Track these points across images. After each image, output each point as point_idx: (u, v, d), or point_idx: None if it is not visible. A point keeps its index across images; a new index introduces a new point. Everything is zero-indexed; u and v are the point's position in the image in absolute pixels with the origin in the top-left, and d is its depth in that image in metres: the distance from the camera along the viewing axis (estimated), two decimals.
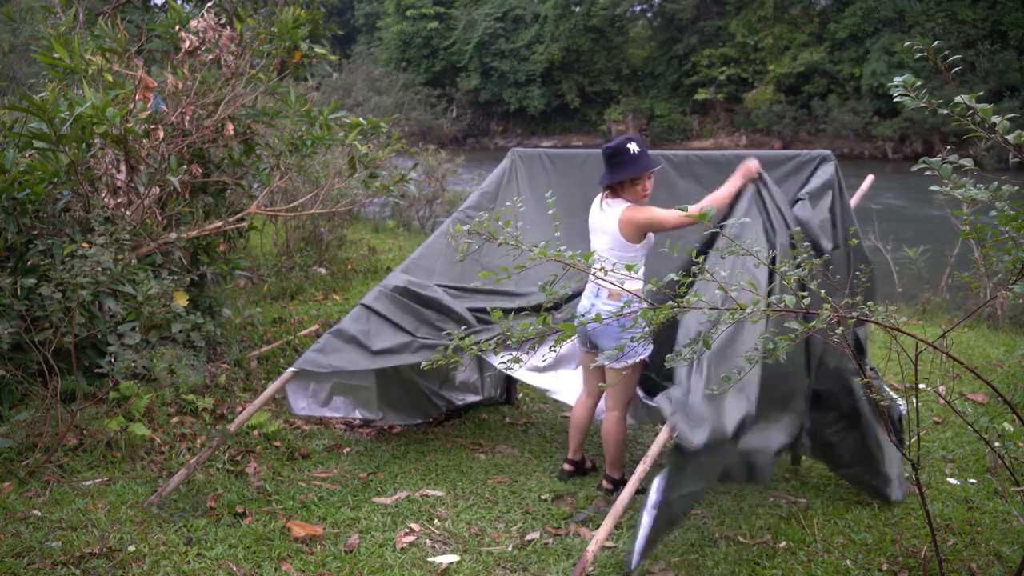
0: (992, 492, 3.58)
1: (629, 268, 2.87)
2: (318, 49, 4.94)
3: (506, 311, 3.66)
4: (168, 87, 4.35)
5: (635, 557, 2.69)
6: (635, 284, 3.31)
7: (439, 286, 3.88)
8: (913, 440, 3.56)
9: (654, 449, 2.85)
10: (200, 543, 2.99)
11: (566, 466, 3.81)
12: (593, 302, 3.46)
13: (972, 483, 3.69)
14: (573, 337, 3.91)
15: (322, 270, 7.74)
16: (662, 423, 2.93)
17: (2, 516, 3.00)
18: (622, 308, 2.34)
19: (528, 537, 3.18)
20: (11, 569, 2.67)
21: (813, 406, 3.33)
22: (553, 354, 4.04)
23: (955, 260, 7.80)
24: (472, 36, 37.92)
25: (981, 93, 1.99)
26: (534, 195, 4.25)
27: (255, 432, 4.02)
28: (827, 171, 3.56)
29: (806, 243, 3.02)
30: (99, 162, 4.26)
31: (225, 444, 3.66)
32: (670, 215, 3.33)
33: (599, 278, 2.59)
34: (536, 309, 3.91)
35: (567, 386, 3.92)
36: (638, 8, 37.62)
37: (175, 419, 4.05)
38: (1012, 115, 2.17)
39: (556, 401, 4.36)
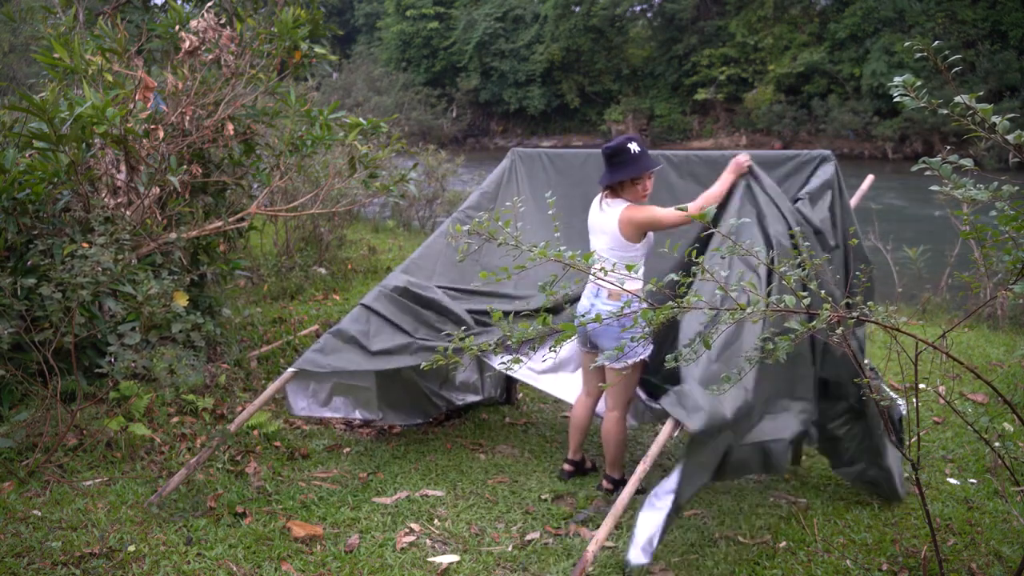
0: (992, 492, 3.58)
1: (629, 268, 2.87)
2: (318, 49, 4.94)
3: (505, 313, 3.66)
4: (168, 87, 4.35)
5: (642, 553, 2.69)
6: (635, 284, 3.31)
7: (439, 287, 3.88)
8: (913, 440, 3.56)
9: (654, 449, 2.85)
10: (200, 543, 2.99)
11: (566, 466, 3.81)
12: (593, 302, 3.46)
13: (972, 483, 3.69)
14: (573, 339, 3.95)
15: (322, 270, 7.74)
16: (663, 422, 2.94)
17: (2, 516, 3.00)
18: (622, 308, 2.34)
19: (528, 537, 3.18)
20: (11, 569, 2.67)
21: (820, 395, 3.30)
22: (554, 354, 4.05)
23: (955, 260, 7.80)
24: (472, 36, 37.92)
25: (981, 93, 1.99)
26: (534, 195, 4.25)
27: (255, 432, 4.02)
28: (827, 171, 3.57)
29: (807, 243, 3.02)
30: (99, 162, 4.26)
31: (225, 444, 3.66)
32: (670, 214, 3.33)
33: (599, 278, 2.59)
34: (535, 312, 3.92)
35: (569, 388, 3.92)
36: (638, 8, 37.62)
37: (175, 419, 4.05)
38: (1012, 115, 2.17)
39: (556, 401, 4.36)
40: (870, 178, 4.01)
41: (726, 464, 3.07)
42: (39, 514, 3.06)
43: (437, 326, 3.72)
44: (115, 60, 4.50)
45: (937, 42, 2.07)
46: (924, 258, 7.38)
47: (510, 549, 3.08)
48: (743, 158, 3.49)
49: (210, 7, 4.60)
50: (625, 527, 3.23)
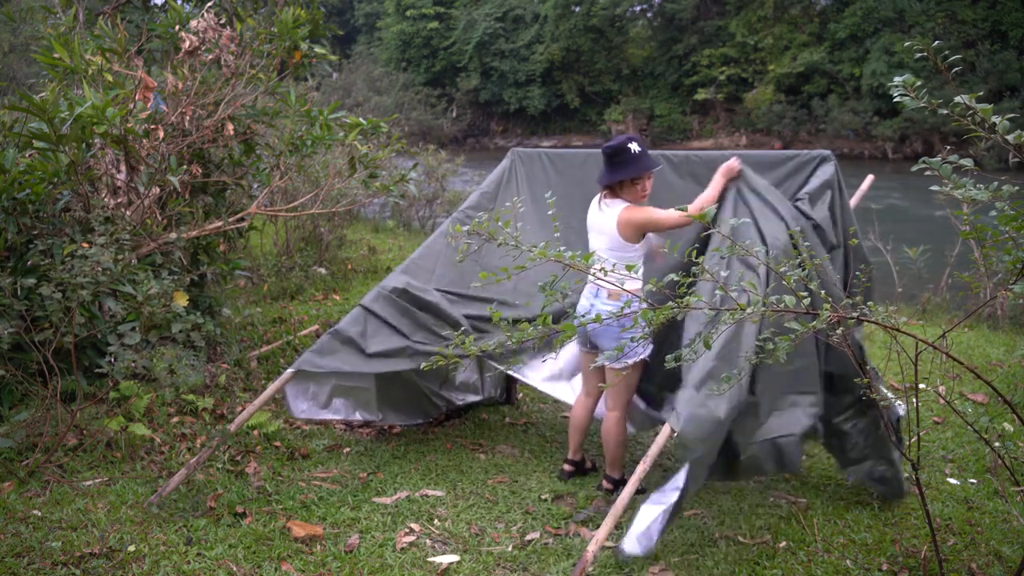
0: (992, 492, 3.58)
1: (629, 268, 2.87)
2: (318, 49, 4.94)
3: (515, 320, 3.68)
4: (168, 87, 4.35)
5: (636, 543, 2.71)
6: (634, 284, 3.31)
7: (438, 290, 3.89)
8: (913, 440, 3.56)
9: (654, 449, 2.85)
10: (200, 543, 2.99)
11: (566, 466, 3.81)
12: (592, 302, 3.46)
13: (972, 483, 3.69)
14: (574, 346, 3.96)
15: (322, 270, 7.74)
16: (662, 425, 2.94)
17: (2, 516, 3.00)
18: (622, 308, 2.34)
19: (528, 537, 3.18)
20: (11, 569, 2.67)
21: (826, 389, 3.29)
22: (554, 356, 4.06)
23: (955, 260, 7.80)
24: (472, 36, 37.92)
25: (981, 93, 1.99)
26: (534, 195, 4.25)
27: (255, 432, 4.02)
28: (827, 171, 3.57)
29: (807, 243, 3.03)
30: (99, 162, 4.26)
31: (225, 444, 3.66)
32: (668, 215, 3.34)
33: (598, 278, 2.59)
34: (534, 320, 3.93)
35: (572, 394, 3.93)
36: (638, 8, 37.62)
37: (175, 419, 4.05)
38: (1012, 115, 2.17)
39: (556, 401, 4.36)
40: (870, 178, 4.01)
41: (738, 464, 3.08)
42: (39, 514, 3.06)
43: (434, 329, 3.73)
44: (115, 60, 4.50)
45: (937, 42, 2.07)
46: (924, 258, 7.37)
47: (510, 549, 3.08)
48: (733, 162, 3.49)
49: (210, 7, 4.60)
50: (625, 527, 3.23)
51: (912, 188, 17.09)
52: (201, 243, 4.82)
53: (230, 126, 4.47)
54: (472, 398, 4.50)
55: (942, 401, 4.60)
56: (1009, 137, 1.96)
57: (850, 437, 3.38)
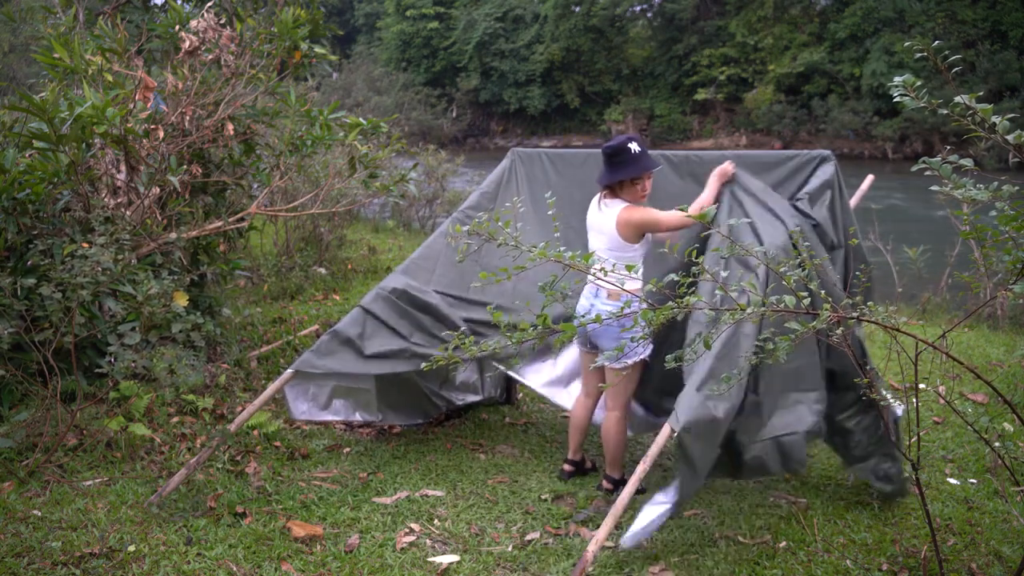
0: (992, 492, 3.58)
1: (629, 268, 2.87)
2: (318, 49, 4.94)
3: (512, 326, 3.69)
4: (168, 87, 4.35)
5: (631, 539, 2.73)
6: (634, 284, 3.31)
7: (437, 292, 3.89)
8: (913, 440, 3.55)
9: (654, 449, 2.85)
10: (200, 543, 2.99)
11: (566, 466, 3.81)
12: (592, 302, 3.46)
13: (972, 483, 3.69)
14: (574, 356, 3.98)
15: (322, 270, 7.74)
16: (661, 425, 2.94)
17: (2, 516, 3.00)
18: (622, 308, 2.34)
19: (528, 537, 3.18)
20: (11, 569, 2.67)
21: (828, 386, 3.28)
22: (552, 361, 4.08)
23: (955, 260, 7.80)
24: (472, 36, 37.92)
25: (981, 93, 1.99)
26: (534, 195, 4.25)
27: (255, 432, 4.02)
28: (827, 171, 3.57)
29: (807, 243, 3.02)
30: (99, 162, 4.26)
31: (225, 444, 3.66)
32: (668, 216, 3.34)
33: (597, 278, 2.59)
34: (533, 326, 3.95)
35: (570, 399, 3.95)
36: (638, 8, 37.61)
37: (175, 419, 4.05)
38: (1012, 115, 2.17)
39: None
40: (870, 178, 4.01)
41: (742, 464, 3.09)
42: (39, 514, 3.06)
43: (433, 332, 3.74)
44: (115, 60, 4.50)
45: (937, 42, 2.07)
46: (924, 258, 7.38)
47: (510, 549, 3.08)
48: (727, 165, 3.50)
49: (210, 7, 4.60)
50: (625, 527, 3.23)
51: (912, 188, 17.09)
52: (201, 243, 4.82)
53: (230, 126, 4.47)
54: (472, 398, 4.50)
55: (942, 401, 4.60)
56: (1009, 137, 1.96)
57: (854, 435, 3.36)
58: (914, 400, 2.86)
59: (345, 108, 7.89)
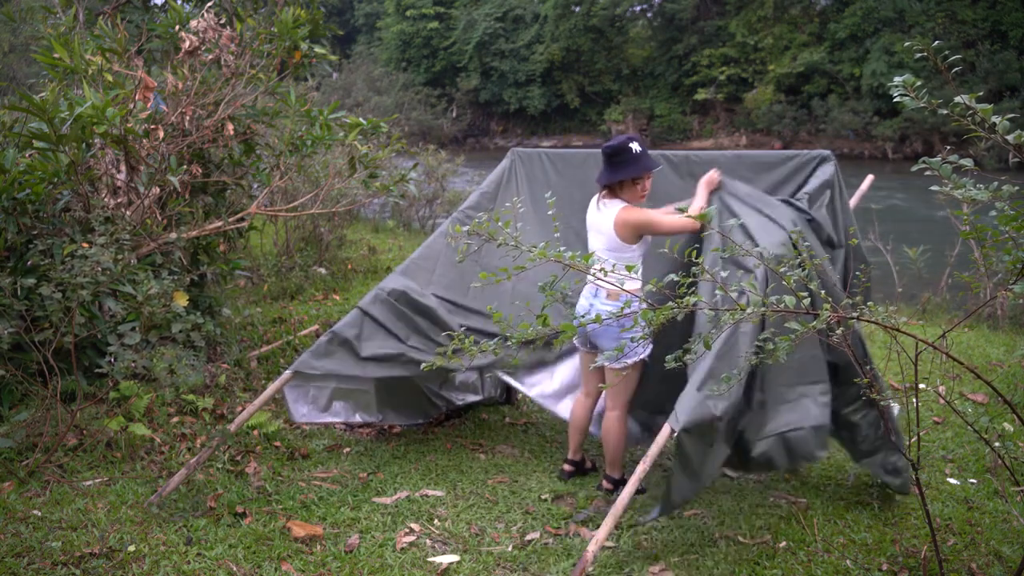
0: (992, 492, 3.58)
1: (629, 269, 2.87)
2: (318, 49, 4.94)
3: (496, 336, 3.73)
4: (168, 87, 4.35)
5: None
6: (634, 284, 3.31)
7: (436, 296, 3.90)
8: (913, 440, 3.56)
9: (654, 449, 2.85)
10: (200, 543, 2.99)
11: (566, 466, 3.81)
12: (592, 302, 3.46)
13: (972, 483, 3.69)
14: (573, 363, 3.99)
15: (322, 270, 7.74)
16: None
17: (2, 516, 3.00)
18: (622, 309, 2.34)
19: (528, 537, 3.18)
20: (11, 569, 2.67)
21: (831, 380, 3.26)
22: (549, 375, 4.10)
23: (955, 260, 7.80)
24: (472, 36, 37.92)
25: (981, 93, 1.99)
26: (533, 195, 4.25)
27: (255, 432, 4.02)
28: (826, 171, 3.57)
29: (807, 243, 3.03)
30: (99, 162, 4.26)
31: (225, 444, 3.66)
32: (666, 220, 3.34)
33: (597, 278, 2.59)
34: (530, 342, 3.98)
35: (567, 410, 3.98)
36: (638, 8, 37.61)
37: (175, 419, 4.05)
38: (1012, 115, 2.17)
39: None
40: (870, 178, 4.01)
41: (750, 459, 3.11)
42: (39, 514, 3.06)
43: (430, 335, 3.74)
44: (115, 60, 4.50)
45: (937, 42, 2.07)
46: (924, 258, 7.37)
47: (510, 549, 3.08)
48: (713, 174, 3.53)
49: (210, 7, 4.60)
50: (625, 527, 3.23)
51: (912, 188, 17.10)
52: (201, 243, 4.82)
53: (230, 126, 4.47)
54: (472, 398, 4.50)
55: (942, 401, 4.60)
56: (1009, 137, 1.96)
57: (860, 429, 3.34)
58: (914, 400, 2.86)
59: (345, 108, 7.89)
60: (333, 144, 5.07)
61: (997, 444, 2.40)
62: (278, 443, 4.00)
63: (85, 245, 3.52)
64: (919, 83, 2.03)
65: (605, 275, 2.44)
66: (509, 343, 2.37)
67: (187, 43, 4.35)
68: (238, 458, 3.79)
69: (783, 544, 3.14)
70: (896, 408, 3.45)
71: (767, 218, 3.27)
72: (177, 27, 4.55)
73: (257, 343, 5.29)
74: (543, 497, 3.57)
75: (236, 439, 3.83)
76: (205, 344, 4.26)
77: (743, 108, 33.26)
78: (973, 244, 5.73)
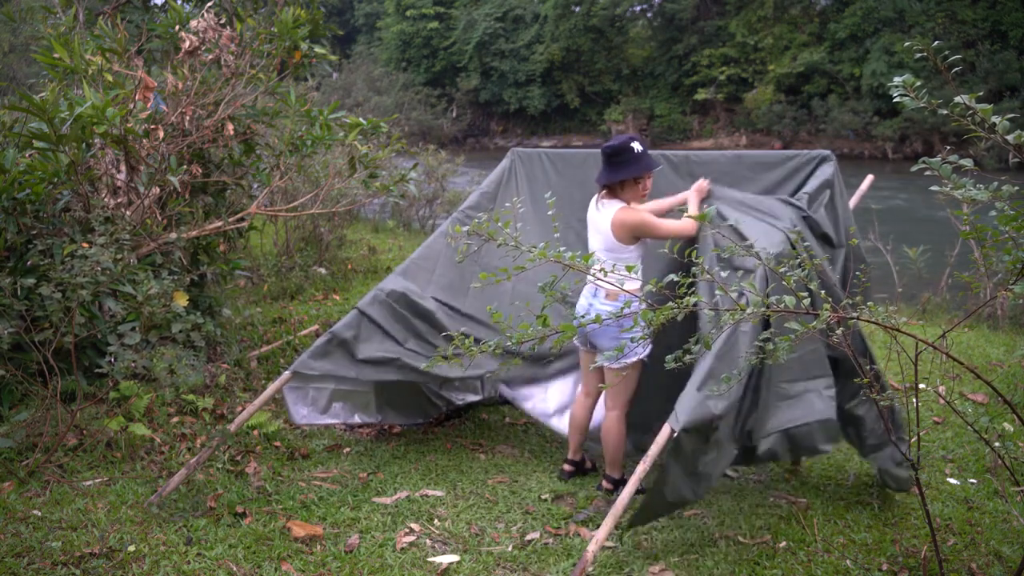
0: (992, 492, 3.58)
1: (629, 269, 2.87)
2: (318, 49, 4.94)
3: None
4: (168, 87, 4.35)
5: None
6: (634, 284, 3.31)
7: (435, 300, 3.90)
8: (913, 440, 3.55)
9: (653, 450, 2.85)
10: (200, 543, 2.99)
11: (566, 466, 3.81)
12: (591, 302, 3.46)
13: (972, 483, 3.69)
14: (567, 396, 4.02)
15: (322, 270, 7.74)
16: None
17: (2, 516, 3.00)
18: (621, 309, 2.34)
19: (528, 537, 3.18)
20: (11, 569, 2.67)
21: (833, 374, 3.25)
22: (545, 395, 4.13)
23: (955, 260, 7.80)
24: (472, 36, 37.92)
25: (981, 93, 1.99)
26: (534, 195, 4.25)
27: (255, 432, 4.02)
28: (826, 171, 3.57)
29: (807, 243, 3.03)
30: (99, 162, 4.26)
31: (225, 444, 3.66)
32: (663, 224, 3.34)
33: (597, 278, 2.59)
34: (530, 358, 4.02)
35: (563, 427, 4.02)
36: (638, 8, 37.61)
37: (175, 419, 4.05)
38: (1012, 115, 2.17)
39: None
40: (870, 178, 4.01)
41: (755, 457, 3.14)
42: (39, 514, 3.06)
43: (428, 339, 3.75)
44: (115, 60, 4.50)
45: (937, 42, 2.07)
46: (924, 258, 7.37)
47: (510, 549, 3.08)
48: (702, 183, 3.55)
49: (210, 7, 4.60)
50: (625, 527, 3.23)
51: (912, 188, 17.10)
52: (201, 243, 4.82)
53: (230, 126, 4.47)
54: (472, 398, 4.50)
55: (942, 401, 4.60)
56: (1009, 137, 1.96)
57: (865, 422, 3.32)
58: (914, 400, 2.86)
59: (345, 108, 7.89)
60: (333, 144, 5.07)
61: (997, 444, 2.40)
62: (278, 443, 4.00)
63: (85, 245, 3.52)
64: (919, 83, 2.03)
65: (605, 275, 2.44)
66: (508, 344, 2.36)
67: (187, 43, 4.35)
68: (238, 458, 3.79)
69: (783, 544, 3.14)
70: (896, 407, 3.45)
71: (763, 221, 3.27)
72: (177, 27, 4.55)
73: (257, 343, 5.29)
74: (543, 497, 3.57)
75: (236, 439, 3.83)
76: (205, 344, 4.26)
77: (743, 108, 33.26)
78: (973, 244, 5.73)
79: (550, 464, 3.95)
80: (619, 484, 3.58)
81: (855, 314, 2.18)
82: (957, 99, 1.95)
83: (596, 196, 3.53)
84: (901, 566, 2.97)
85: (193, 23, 4.43)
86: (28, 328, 3.46)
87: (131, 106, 4.09)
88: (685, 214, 3.18)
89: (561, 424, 4.00)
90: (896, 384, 4.68)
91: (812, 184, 3.52)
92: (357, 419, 4.07)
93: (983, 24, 28.38)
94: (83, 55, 4.24)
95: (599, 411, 3.81)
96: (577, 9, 36.94)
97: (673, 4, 35.36)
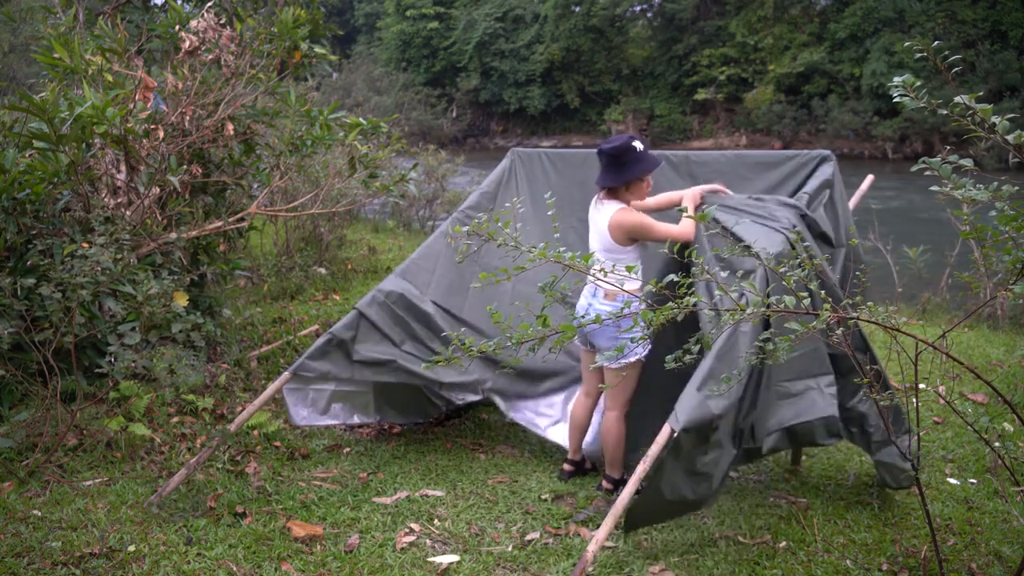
0: (992, 492, 3.58)
1: (629, 269, 2.87)
2: (318, 49, 4.94)
3: (490, 358, 3.76)
4: (168, 87, 4.35)
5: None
6: (633, 284, 3.31)
7: (434, 303, 3.90)
8: (913, 440, 3.55)
9: (654, 449, 2.85)
10: (200, 543, 2.99)
11: (566, 466, 3.81)
12: (590, 302, 3.46)
13: (972, 483, 3.69)
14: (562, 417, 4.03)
15: (322, 270, 7.74)
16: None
17: (2, 516, 3.00)
18: (621, 309, 2.34)
19: (528, 537, 3.18)
20: (11, 569, 2.67)
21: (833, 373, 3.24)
22: (538, 410, 4.14)
23: (955, 260, 7.80)
24: (472, 36, 37.92)
25: (981, 93, 1.99)
26: (534, 195, 4.25)
27: (255, 432, 4.02)
28: (826, 171, 3.58)
29: (807, 243, 3.03)
30: (99, 162, 4.26)
31: (225, 444, 3.66)
32: (660, 227, 3.33)
33: (597, 278, 2.59)
34: (521, 374, 4.03)
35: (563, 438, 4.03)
36: (638, 8, 37.62)
37: (175, 419, 4.05)
38: (1012, 115, 2.17)
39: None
40: (870, 178, 4.01)
41: (758, 454, 3.16)
42: (39, 514, 3.06)
43: (425, 341, 3.75)
44: (115, 60, 4.50)
45: (937, 42, 2.07)
46: (924, 258, 7.38)
47: (510, 549, 3.08)
48: (697, 192, 3.55)
49: (210, 7, 4.60)
50: (626, 528, 3.23)
51: (912, 188, 17.10)
52: (201, 243, 4.82)
53: (230, 126, 4.47)
54: (472, 398, 4.50)
55: (942, 401, 4.60)
56: (1009, 137, 1.96)
57: (869, 418, 3.29)
58: (914, 400, 2.86)
59: (345, 108, 7.89)
60: (333, 144, 5.07)
61: (997, 444, 2.40)
62: (278, 443, 4.00)
63: (85, 245, 3.52)
64: (919, 83, 2.03)
65: (604, 275, 2.44)
66: (503, 348, 2.36)
67: (187, 43, 4.35)
68: (238, 458, 3.79)
69: (783, 544, 3.14)
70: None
71: (762, 224, 3.27)
72: (177, 27, 4.55)
73: (257, 343, 5.29)
74: (543, 497, 3.57)
75: (236, 439, 3.83)
76: (205, 344, 4.26)
77: (743, 108, 33.26)
78: (973, 244, 5.73)
79: (550, 464, 3.95)
80: (619, 484, 3.58)
81: (855, 314, 2.18)
82: (957, 99, 1.95)
83: (596, 196, 3.53)
84: (901, 566, 2.97)
85: (193, 23, 4.43)
86: (28, 328, 3.46)
87: (131, 106, 4.09)
88: (684, 214, 3.18)
89: (554, 435, 4.01)
90: (896, 384, 4.68)
91: (812, 184, 3.52)
92: (357, 420, 4.07)
93: (983, 24, 28.39)
94: (83, 55, 4.24)
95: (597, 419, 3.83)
96: (577, 9, 36.94)
97: (673, 4, 35.36)
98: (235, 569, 2.83)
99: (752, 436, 3.07)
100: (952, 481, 3.71)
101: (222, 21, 4.59)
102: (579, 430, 3.76)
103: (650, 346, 3.46)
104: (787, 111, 31.25)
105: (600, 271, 2.45)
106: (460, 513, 3.39)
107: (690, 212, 3.45)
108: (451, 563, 2.95)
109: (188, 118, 4.38)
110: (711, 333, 2.46)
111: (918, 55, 2.06)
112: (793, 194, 3.58)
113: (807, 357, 3.15)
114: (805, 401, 3.12)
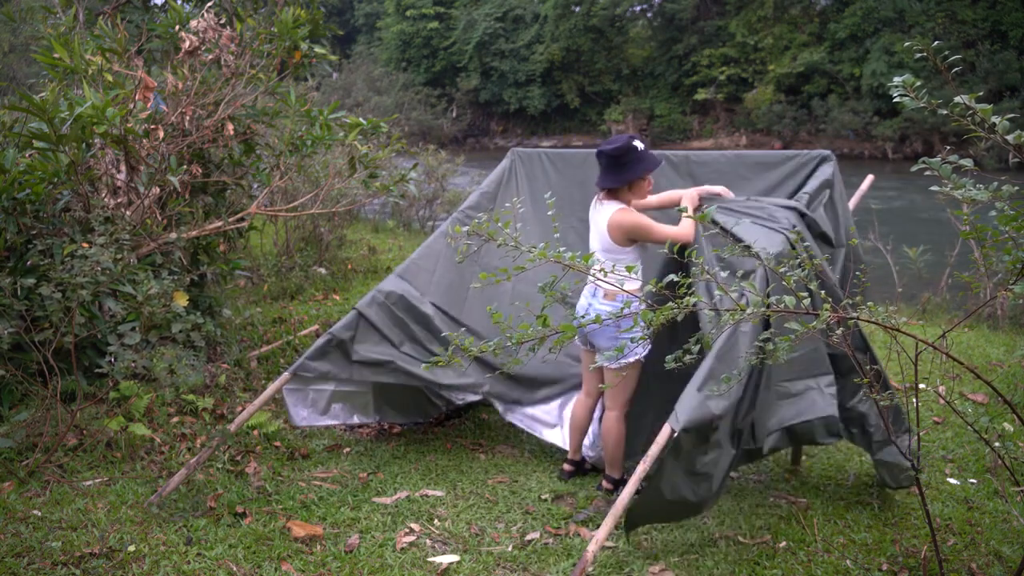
0: (992, 492, 3.58)
1: (629, 269, 2.87)
2: (318, 49, 4.94)
3: (488, 362, 3.77)
4: (168, 87, 4.35)
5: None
6: (633, 284, 3.31)
7: (433, 305, 3.90)
8: (913, 440, 3.55)
9: (654, 449, 2.85)
10: (200, 543, 2.99)
11: (566, 466, 3.81)
12: (590, 302, 3.46)
13: (972, 483, 3.69)
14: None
15: (322, 270, 7.74)
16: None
17: (2, 516, 3.00)
18: (621, 309, 2.34)
19: (528, 537, 3.18)
20: (11, 569, 2.67)
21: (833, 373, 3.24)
22: (535, 416, 4.16)
23: (955, 260, 7.80)
24: (472, 36, 37.92)
25: (981, 93, 1.99)
26: (534, 195, 4.25)
27: (255, 432, 4.02)
28: (826, 171, 3.58)
29: (807, 243, 3.03)
30: (99, 162, 4.26)
31: (225, 444, 3.66)
32: (659, 229, 3.33)
33: (597, 278, 2.59)
34: (525, 381, 4.04)
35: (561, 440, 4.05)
36: (638, 8, 37.62)
37: (175, 419, 4.06)
38: (1012, 115, 2.17)
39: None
40: (870, 178, 4.01)
41: (759, 454, 3.18)
42: (39, 514, 3.06)
43: (424, 343, 3.75)
44: (115, 60, 4.50)
45: (937, 42, 2.07)
46: (924, 258, 7.38)
47: (510, 549, 3.08)
48: (694, 195, 3.55)
49: (210, 7, 4.60)
50: (625, 528, 3.23)
51: (912, 188, 17.10)
52: (201, 243, 4.82)
53: (230, 126, 4.47)
54: (472, 398, 4.50)
55: (942, 401, 4.60)
56: (1009, 137, 1.96)
57: (869, 418, 3.28)
58: (914, 400, 2.86)
59: (345, 108, 7.90)
60: (333, 144, 5.07)
61: (997, 444, 2.40)
62: (278, 443, 4.00)
63: (85, 245, 3.52)
64: (919, 83, 2.03)
65: (604, 275, 2.44)
66: (501, 350, 2.36)
67: (187, 43, 4.35)
68: (238, 458, 3.79)
69: (783, 544, 3.14)
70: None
71: (761, 225, 3.27)
72: (177, 27, 4.55)
73: (257, 343, 5.29)
74: (543, 497, 3.57)
75: (236, 439, 3.83)
76: (205, 344, 4.26)
77: (743, 108, 33.27)
78: (973, 244, 5.73)
79: (550, 464, 3.95)
80: (619, 484, 3.58)
81: (855, 314, 2.18)
82: (957, 99, 1.95)
83: (596, 196, 3.53)
84: (901, 566, 2.97)
85: (193, 23, 4.43)
86: (28, 328, 3.46)
87: (131, 106, 4.09)
88: (684, 215, 3.18)
89: (550, 438, 4.01)
90: (896, 384, 4.68)
91: (812, 184, 3.52)
92: (357, 420, 4.07)
93: (983, 24, 28.39)
94: (83, 55, 4.24)
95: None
96: (577, 9, 36.94)
97: (673, 4, 35.36)
98: (235, 569, 2.83)
99: (752, 436, 3.08)
100: (952, 481, 3.71)
101: (222, 21, 4.59)
102: (579, 430, 3.76)
103: (650, 346, 3.46)
104: (787, 111, 31.26)
105: (600, 271, 2.45)
106: (460, 513, 3.39)
107: (689, 213, 3.46)
108: (451, 563, 2.95)
109: (188, 118, 4.38)
110: (711, 333, 2.46)
111: (918, 55, 2.06)
112: (793, 194, 3.58)
113: (807, 357, 3.15)
114: (805, 401, 3.12)
